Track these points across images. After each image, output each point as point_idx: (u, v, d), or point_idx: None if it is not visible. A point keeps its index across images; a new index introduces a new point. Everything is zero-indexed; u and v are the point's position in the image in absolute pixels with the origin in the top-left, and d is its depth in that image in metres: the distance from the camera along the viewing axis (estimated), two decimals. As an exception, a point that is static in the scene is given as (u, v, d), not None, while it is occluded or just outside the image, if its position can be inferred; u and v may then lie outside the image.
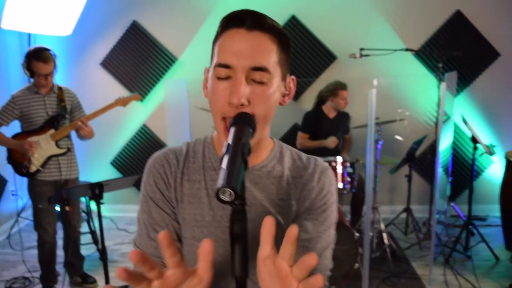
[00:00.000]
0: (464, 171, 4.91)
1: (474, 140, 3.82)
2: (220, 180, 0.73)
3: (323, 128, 4.23)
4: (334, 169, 3.63)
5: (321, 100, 4.29)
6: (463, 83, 4.73)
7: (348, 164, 3.66)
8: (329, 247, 1.11)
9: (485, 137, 4.78)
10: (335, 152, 4.22)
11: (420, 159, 4.80)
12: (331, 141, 4.09)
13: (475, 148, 3.87)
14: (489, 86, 4.75)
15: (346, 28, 4.59)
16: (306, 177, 1.11)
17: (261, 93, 0.97)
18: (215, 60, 0.99)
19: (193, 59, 4.75)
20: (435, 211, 3.60)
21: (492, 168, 4.89)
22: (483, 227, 4.60)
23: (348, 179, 3.64)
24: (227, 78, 0.96)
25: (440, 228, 4.51)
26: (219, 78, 0.97)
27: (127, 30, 4.74)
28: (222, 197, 0.73)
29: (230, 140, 0.85)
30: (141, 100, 4.78)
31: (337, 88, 4.10)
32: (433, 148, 4.49)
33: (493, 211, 4.79)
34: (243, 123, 0.92)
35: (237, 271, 0.78)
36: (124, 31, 4.74)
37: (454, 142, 4.81)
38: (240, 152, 0.80)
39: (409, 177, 4.39)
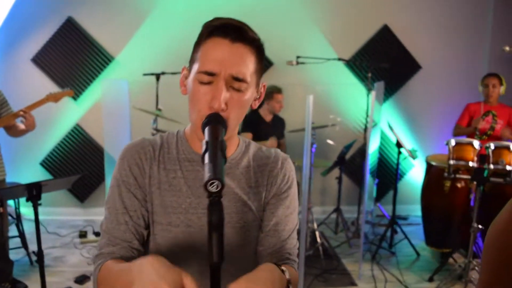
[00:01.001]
0: (388, 174, 5.27)
1: (399, 145, 4.13)
2: (208, 173, 0.82)
3: (261, 131, 4.38)
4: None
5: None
6: (389, 92, 5.08)
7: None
8: (295, 228, 1.25)
9: (408, 142, 5.17)
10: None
11: (350, 162, 5.08)
12: (272, 142, 4.24)
13: (399, 153, 4.19)
14: (411, 95, 5.15)
15: (283, 37, 4.76)
16: (270, 165, 1.24)
17: (237, 100, 1.07)
18: (198, 66, 1.07)
19: (130, 59, 4.69)
20: (364, 212, 3.85)
21: (413, 171, 5.30)
22: (405, 225, 4.96)
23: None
24: (209, 83, 1.05)
25: (367, 227, 4.81)
26: (201, 83, 1.06)
27: (62, 26, 4.58)
28: (210, 188, 0.81)
29: (208, 138, 0.94)
30: (74, 98, 4.65)
31: (272, 92, 4.28)
32: (361, 152, 4.78)
33: (414, 210, 5.18)
34: (217, 123, 1.01)
35: (214, 258, 0.86)
36: (58, 26, 4.58)
37: (380, 148, 5.15)
38: (219, 149, 0.89)
39: (340, 179, 4.65)
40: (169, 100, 4.33)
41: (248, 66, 1.07)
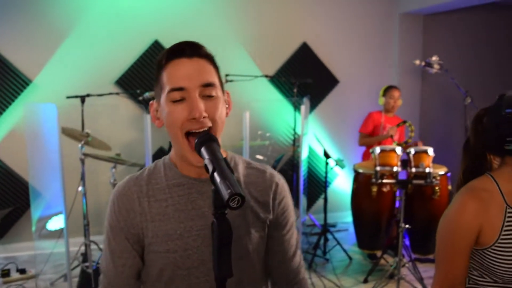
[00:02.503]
0: (315, 184, 5.49)
1: (326, 155, 4.34)
2: (227, 190, 0.84)
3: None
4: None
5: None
6: (311, 106, 5.33)
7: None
8: (298, 244, 1.32)
9: (333, 152, 5.44)
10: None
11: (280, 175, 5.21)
12: None
13: (327, 163, 4.40)
14: (332, 108, 5.45)
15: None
16: (262, 184, 1.26)
17: (214, 106, 1.12)
18: (167, 88, 1.11)
19: (51, 81, 4.45)
20: (300, 224, 3.98)
21: (337, 180, 5.57)
22: (335, 232, 5.18)
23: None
24: (182, 100, 1.09)
25: (301, 237, 4.95)
26: (175, 102, 1.10)
27: (-29, 49, 4.26)
28: (232, 204, 0.83)
29: (209, 156, 0.96)
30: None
31: None
32: (291, 165, 4.95)
33: (341, 217, 5.44)
34: (210, 141, 1.03)
35: (224, 272, 0.88)
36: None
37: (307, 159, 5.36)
38: (225, 164, 0.91)
39: (272, 193, 4.75)
40: (96, 123, 4.19)
41: (212, 74, 1.14)
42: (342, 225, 5.41)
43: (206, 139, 1.04)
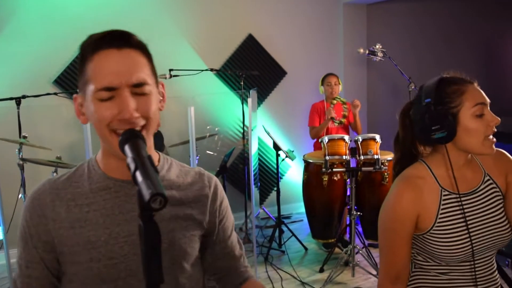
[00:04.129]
0: (268, 177, 5.47)
1: (276, 147, 4.32)
2: (147, 189, 0.76)
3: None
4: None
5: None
6: (259, 99, 5.30)
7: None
8: (235, 234, 1.32)
9: (283, 144, 5.43)
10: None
11: (231, 169, 5.17)
12: None
13: (278, 155, 4.38)
14: (281, 100, 5.43)
15: (153, 49, 4.66)
16: (198, 184, 1.20)
17: (146, 103, 1.02)
18: (94, 85, 1.00)
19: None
20: (254, 217, 3.94)
21: (290, 171, 5.57)
22: (290, 223, 5.19)
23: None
24: (110, 98, 0.99)
25: (256, 231, 4.92)
26: (102, 100, 0.99)
27: None
28: (153, 205, 0.75)
29: (132, 154, 0.87)
30: None
31: None
32: (241, 158, 4.89)
33: (295, 208, 5.46)
34: (134, 138, 0.94)
35: (154, 278, 0.81)
36: None
37: (257, 152, 5.32)
38: (149, 163, 0.83)
39: (223, 188, 4.68)
40: (34, 126, 3.97)
41: (144, 68, 1.04)
42: (297, 216, 5.42)
43: (130, 135, 0.95)
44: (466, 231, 1.38)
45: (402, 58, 4.62)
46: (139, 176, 0.80)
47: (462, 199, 1.41)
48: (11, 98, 3.72)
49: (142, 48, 1.05)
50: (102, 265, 1.05)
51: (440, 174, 1.45)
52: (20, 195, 3.68)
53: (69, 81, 4.45)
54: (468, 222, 1.39)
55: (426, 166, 1.47)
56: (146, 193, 0.75)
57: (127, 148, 0.91)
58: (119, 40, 1.01)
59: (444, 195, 1.42)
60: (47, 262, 1.09)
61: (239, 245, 1.33)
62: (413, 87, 3.98)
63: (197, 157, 4.01)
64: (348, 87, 4.61)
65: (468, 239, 1.37)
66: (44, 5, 4.30)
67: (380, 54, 4.02)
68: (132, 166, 0.84)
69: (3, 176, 4.15)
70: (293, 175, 5.55)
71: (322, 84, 4.60)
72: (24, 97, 3.76)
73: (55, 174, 3.55)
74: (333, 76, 4.58)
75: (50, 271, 1.09)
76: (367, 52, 4.06)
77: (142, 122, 1.01)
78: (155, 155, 1.19)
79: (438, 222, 1.40)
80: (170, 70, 4.12)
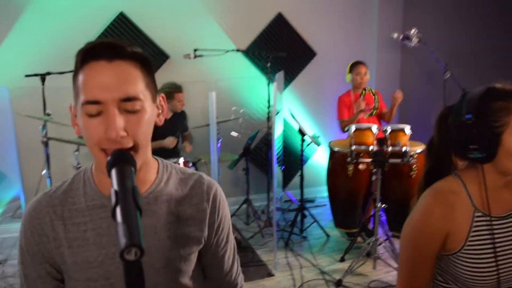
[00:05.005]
0: (293, 160, 5.37)
1: (301, 132, 4.21)
2: (123, 238, 0.69)
3: (161, 129, 4.17)
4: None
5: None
6: (287, 79, 5.15)
7: (190, 164, 3.72)
8: (236, 257, 1.28)
9: (310, 128, 5.31)
10: (175, 152, 4.24)
11: (255, 152, 5.10)
12: (170, 141, 4.09)
13: (303, 140, 4.27)
14: (309, 82, 5.27)
15: (178, 28, 4.60)
16: (196, 197, 1.14)
17: (136, 121, 0.95)
18: (81, 98, 0.94)
19: (9, 58, 4.18)
20: (275, 200, 3.88)
21: (316, 155, 5.45)
22: (313, 207, 5.12)
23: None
24: (99, 113, 0.93)
25: (278, 214, 4.87)
26: (91, 116, 0.93)
27: None
28: (127, 256, 0.68)
29: (116, 185, 0.80)
30: None
31: (173, 92, 4.11)
32: (266, 141, 4.81)
33: (320, 192, 5.35)
34: (123, 162, 0.87)
35: None
36: None
37: (283, 134, 5.22)
38: (131, 200, 0.76)
39: (247, 170, 4.63)
40: (58, 103, 3.96)
41: (136, 82, 0.96)
42: (321, 200, 5.33)
43: (118, 158, 0.88)
44: (494, 258, 1.26)
45: (439, 44, 4.36)
46: (118, 215, 0.74)
47: (496, 222, 1.29)
48: (35, 75, 3.73)
49: (137, 59, 0.97)
50: (100, 284, 1.04)
51: (475, 191, 1.31)
52: (43, 171, 3.73)
53: (95, 57, 4.41)
54: (499, 249, 1.27)
55: (460, 181, 1.33)
56: (122, 241, 0.69)
57: (113, 174, 0.85)
58: (109, 51, 0.94)
59: (477, 216, 1.29)
60: (57, 276, 1.08)
61: (233, 259, 1.28)
62: (449, 75, 3.78)
63: (220, 140, 3.94)
64: (381, 73, 4.39)
65: (496, 267, 1.25)
66: (70, -20, 4.24)
67: (415, 39, 3.81)
68: (113, 200, 0.77)
69: (28, 152, 4.23)
70: (319, 158, 5.44)
71: (350, 72, 4.39)
72: (48, 73, 3.76)
73: (77, 153, 3.56)
74: (363, 65, 4.35)
75: (57, 280, 1.09)
76: (401, 37, 3.85)
77: (129, 143, 0.94)
78: (154, 164, 1.12)
79: (468, 245, 1.28)
80: (195, 50, 4.02)
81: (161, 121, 1.07)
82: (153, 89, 1.03)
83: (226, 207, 1.21)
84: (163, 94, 1.09)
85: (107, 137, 0.91)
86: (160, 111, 1.07)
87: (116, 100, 0.92)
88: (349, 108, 4.42)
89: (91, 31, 4.38)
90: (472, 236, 1.28)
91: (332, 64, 5.28)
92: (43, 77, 3.75)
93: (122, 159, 0.88)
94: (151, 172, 1.10)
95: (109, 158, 0.89)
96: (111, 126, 0.90)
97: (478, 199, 1.30)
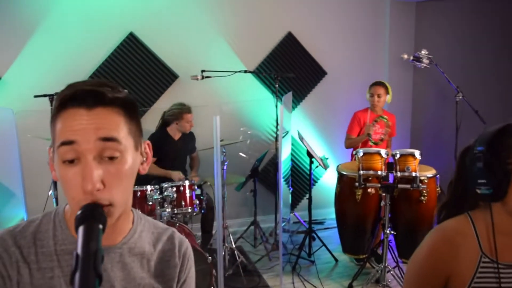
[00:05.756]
0: (302, 181, 5.29)
1: (310, 155, 4.13)
2: None
3: (170, 150, 4.17)
4: (183, 193, 3.61)
5: (165, 122, 4.23)
6: (297, 99, 5.10)
7: (195, 187, 3.68)
8: None
9: (319, 148, 5.22)
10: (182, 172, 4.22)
11: (264, 172, 5.03)
12: (177, 177, 4.01)
13: (311, 162, 4.20)
14: (319, 101, 5.20)
15: (188, 48, 4.59)
16: (168, 253, 1.10)
17: (116, 172, 0.89)
18: (56, 142, 0.88)
19: (20, 78, 4.21)
20: (281, 222, 3.80)
21: (325, 176, 5.36)
22: (322, 230, 5.02)
23: (197, 201, 3.65)
24: (75, 161, 0.87)
25: (286, 236, 4.79)
26: (66, 162, 0.87)
27: None
28: None
29: (79, 248, 0.75)
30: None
31: (182, 112, 4.09)
32: (274, 161, 4.74)
33: (330, 214, 5.24)
34: (92, 220, 0.81)
35: None
36: None
37: (292, 154, 5.15)
38: (92, 267, 0.71)
39: (254, 192, 4.57)
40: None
41: (117, 127, 0.90)
42: (331, 222, 5.22)
43: (87, 215, 0.82)
44: None
45: (450, 65, 4.27)
46: (76, 282, 0.69)
47: (504, 271, 1.20)
48: (44, 95, 3.74)
49: (120, 105, 0.92)
50: None
51: (484, 234, 1.23)
52: (50, 192, 3.74)
53: (104, 77, 4.43)
54: None
55: (470, 222, 1.25)
56: None
57: (79, 232, 0.78)
58: (89, 99, 0.88)
59: (484, 262, 1.21)
60: None
61: None
62: (460, 97, 3.67)
63: (226, 163, 3.89)
64: (392, 91, 4.30)
65: None
66: (79, 2, 4.27)
67: (425, 60, 3.72)
68: (73, 265, 0.72)
69: (34, 173, 4.23)
70: (328, 179, 5.35)
71: (369, 91, 4.33)
72: (57, 94, 3.76)
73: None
74: (379, 86, 4.25)
75: None
76: (411, 58, 3.77)
77: (105, 200, 0.88)
78: (129, 216, 1.07)
79: None
80: (203, 71, 4.00)
81: (144, 170, 1.01)
82: (137, 136, 0.97)
83: (193, 267, 1.17)
84: (148, 141, 1.04)
85: (83, 189, 0.86)
86: (144, 158, 1.01)
87: (93, 142, 0.86)
88: (362, 126, 4.35)
89: (101, 51, 4.40)
90: (476, 283, 1.20)
91: (342, 83, 5.22)
92: (51, 97, 3.76)
93: (92, 216, 0.82)
94: (127, 221, 1.05)
95: (79, 212, 0.83)
96: (87, 177, 0.85)
97: (487, 243, 1.22)
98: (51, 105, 3.75)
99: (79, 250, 0.75)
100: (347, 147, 4.46)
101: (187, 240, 1.16)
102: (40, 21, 4.21)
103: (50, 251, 0.98)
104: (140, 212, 1.12)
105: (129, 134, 0.93)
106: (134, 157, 0.95)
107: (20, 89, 4.19)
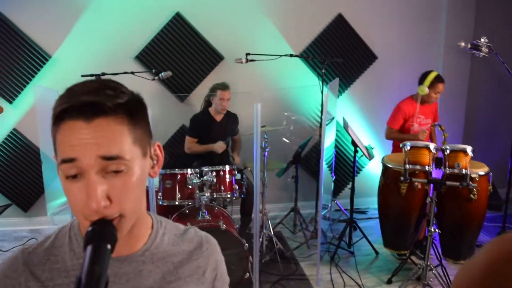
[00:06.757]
0: (346, 168, 5.16)
1: (355, 144, 3.99)
2: None
3: (211, 131, 4.17)
4: (223, 178, 3.59)
5: (208, 102, 4.23)
6: (344, 84, 4.93)
7: (235, 172, 3.65)
8: None
9: (366, 137, 5.05)
10: (222, 157, 4.21)
11: (307, 158, 4.94)
12: (219, 146, 4.07)
13: (356, 151, 4.06)
14: (368, 87, 5.01)
15: (234, 29, 4.53)
16: (194, 253, 1.06)
17: (122, 186, 0.83)
18: (58, 158, 0.83)
19: (68, 57, 4.31)
20: (321, 211, 3.73)
21: (371, 164, 5.19)
22: (364, 220, 4.89)
23: (236, 187, 3.63)
24: (78, 176, 0.82)
25: (326, 224, 4.70)
26: (70, 178, 0.82)
27: (-11, 23, 4.17)
28: None
29: (83, 271, 0.71)
30: (9, 101, 4.30)
31: (216, 88, 4.09)
32: (318, 147, 4.64)
33: (373, 203, 5.07)
34: (99, 239, 0.78)
35: None
36: (-15, 24, 4.16)
37: (336, 141, 5.01)
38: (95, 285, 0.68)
39: (296, 179, 4.50)
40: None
41: (121, 139, 0.83)
42: (374, 212, 5.07)
43: (95, 235, 0.78)
44: None
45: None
46: None
47: None
48: (91, 75, 3.78)
49: (123, 111, 0.84)
50: None
51: None
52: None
53: (150, 57, 4.45)
54: None
55: None
56: None
57: (86, 253, 0.75)
58: (88, 109, 0.81)
59: None
60: None
61: None
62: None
63: (268, 149, 3.83)
64: (447, 81, 4.02)
65: None
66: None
67: (485, 49, 3.45)
68: (76, 282, 0.69)
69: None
70: (373, 167, 5.18)
71: (429, 85, 3.90)
72: (103, 74, 3.80)
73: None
74: (443, 84, 3.94)
75: None
76: (469, 46, 3.50)
77: (114, 214, 0.83)
78: (145, 221, 1.02)
79: None
80: (247, 54, 3.92)
81: (156, 173, 0.96)
82: (145, 141, 0.90)
83: (223, 262, 1.13)
84: (158, 143, 0.97)
85: (89, 207, 0.81)
86: (155, 161, 0.95)
87: (95, 159, 0.80)
88: (408, 119, 4.12)
89: (148, 31, 4.41)
90: None
91: (393, 69, 4.98)
92: (98, 77, 3.82)
93: (100, 235, 0.79)
94: (145, 226, 1.01)
95: (88, 229, 0.79)
96: (91, 195, 0.80)
97: None
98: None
99: (83, 274, 0.71)
100: (388, 138, 4.26)
101: (213, 238, 1.12)
102: (89, 2, 4.26)
103: (66, 266, 0.94)
104: (159, 216, 1.08)
105: (134, 143, 0.86)
106: (142, 165, 0.89)
107: (68, 69, 4.29)
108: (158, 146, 0.97)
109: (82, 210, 0.82)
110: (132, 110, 0.86)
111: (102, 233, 0.79)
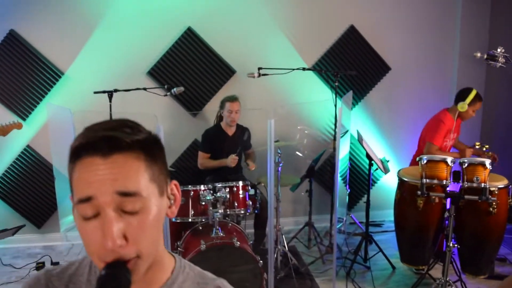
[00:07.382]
0: (361, 181, 5.09)
1: (369, 157, 3.94)
2: None
3: (223, 145, 4.15)
4: (237, 194, 3.56)
5: (220, 118, 4.23)
6: (358, 96, 4.88)
7: (249, 188, 3.62)
8: None
9: (380, 149, 4.98)
10: (236, 170, 4.18)
11: (321, 170, 4.89)
12: (231, 160, 4.04)
13: (371, 165, 4.00)
14: (381, 99, 4.95)
15: (246, 42, 4.52)
16: None
17: (138, 225, 0.80)
18: (75, 198, 0.81)
19: (82, 73, 4.33)
20: (336, 225, 3.67)
21: (386, 176, 5.11)
22: (380, 233, 4.81)
23: (250, 202, 3.59)
24: (95, 216, 0.80)
25: (341, 238, 4.63)
26: (86, 219, 0.80)
27: (3, 41, 4.20)
28: None
29: None
30: (23, 118, 4.33)
31: (224, 100, 4.08)
32: (332, 160, 4.58)
33: (389, 215, 5.00)
34: (111, 286, 0.75)
35: None
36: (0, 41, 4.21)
37: (351, 153, 4.95)
38: None
39: (310, 193, 4.44)
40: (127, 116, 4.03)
41: (137, 176, 0.81)
42: (390, 225, 5.00)
43: (108, 279, 0.76)
44: None
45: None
46: None
47: None
48: (104, 92, 3.79)
49: (140, 148, 0.83)
50: None
51: None
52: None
53: (162, 72, 4.46)
54: None
55: None
56: None
57: None
58: (105, 145, 0.79)
59: None
60: None
61: None
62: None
63: (281, 164, 3.78)
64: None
65: None
66: (138, -3, 4.31)
67: (501, 59, 3.38)
68: None
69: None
70: (389, 180, 5.10)
71: (470, 104, 3.91)
72: (116, 91, 3.81)
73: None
74: (482, 102, 3.98)
75: None
76: (485, 56, 3.44)
77: (131, 254, 0.80)
78: (169, 262, 0.98)
79: None
80: (259, 68, 3.90)
81: (173, 213, 0.92)
82: (161, 179, 0.87)
83: None
84: (175, 182, 0.94)
85: (104, 246, 0.78)
86: (172, 201, 0.92)
87: (111, 195, 0.78)
88: (446, 135, 4.07)
89: (159, 47, 4.42)
90: None
91: (407, 80, 4.93)
92: (110, 94, 3.81)
93: (113, 281, 0.76)
94: (163, 271, 0.95)
95: (101, 272, 0.77)
96: (107, 233, 0.77)
97: None
98: (110, 101, 3.80)
99: None
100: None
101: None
102: (101, 18, 4.29)
103: None
104: (185, 261, 1.02)
105: (151, 180, 0.84)
106: (159, 204, 0.86)
107: (81, 85, 4.31)
108: (176, 185, 0.94)
109: (98, 251, 0.80)
110: (149, 147, 0.84)
111: (115, 278, 0.77)
